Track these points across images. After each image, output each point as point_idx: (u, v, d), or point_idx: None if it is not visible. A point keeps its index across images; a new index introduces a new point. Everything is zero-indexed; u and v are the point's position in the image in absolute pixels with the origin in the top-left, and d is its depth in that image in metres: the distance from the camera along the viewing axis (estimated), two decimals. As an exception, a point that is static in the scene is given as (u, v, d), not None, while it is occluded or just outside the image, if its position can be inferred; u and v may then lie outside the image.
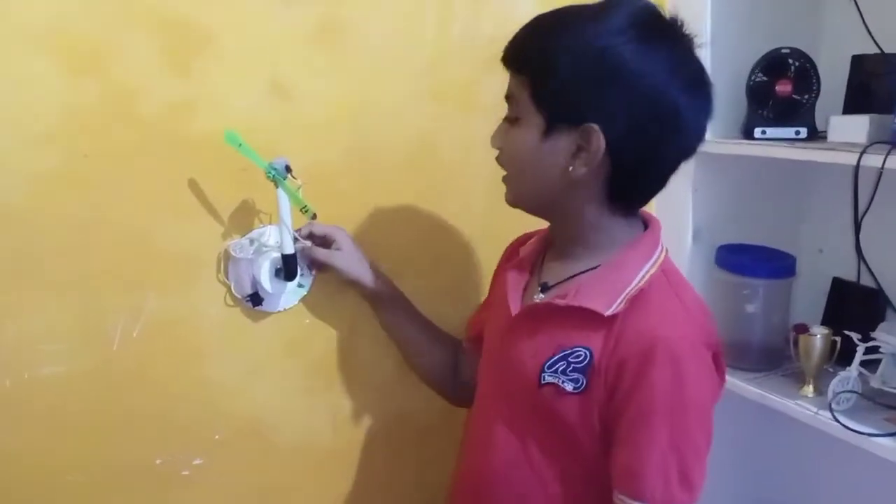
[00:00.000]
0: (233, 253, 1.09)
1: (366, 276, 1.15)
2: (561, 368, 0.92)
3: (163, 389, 1.10)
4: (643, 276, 0.93)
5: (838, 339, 1.29)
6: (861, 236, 1.31)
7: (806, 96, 1.33)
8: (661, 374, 0.87)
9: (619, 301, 0.91)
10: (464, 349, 1.23)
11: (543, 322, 0.96)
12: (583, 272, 0.96)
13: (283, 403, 1.19)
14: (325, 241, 1.14)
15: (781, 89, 1.34)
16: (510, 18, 1.21)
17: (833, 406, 1.21)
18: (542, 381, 0.93)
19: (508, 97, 0.96)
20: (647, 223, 1.00)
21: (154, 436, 1.10)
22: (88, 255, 1.02)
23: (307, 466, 1.23)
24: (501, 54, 0.97)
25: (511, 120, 0.95)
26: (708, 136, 1.03)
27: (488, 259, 1.26)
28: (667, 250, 0.99)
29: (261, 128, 1.08)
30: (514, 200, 1.00)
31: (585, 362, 0.91)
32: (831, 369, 1.29)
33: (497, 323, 1.05)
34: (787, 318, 1.42)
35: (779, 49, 1.34)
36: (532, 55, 0.92)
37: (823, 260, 1.51)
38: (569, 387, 0.92)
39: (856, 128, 1.22)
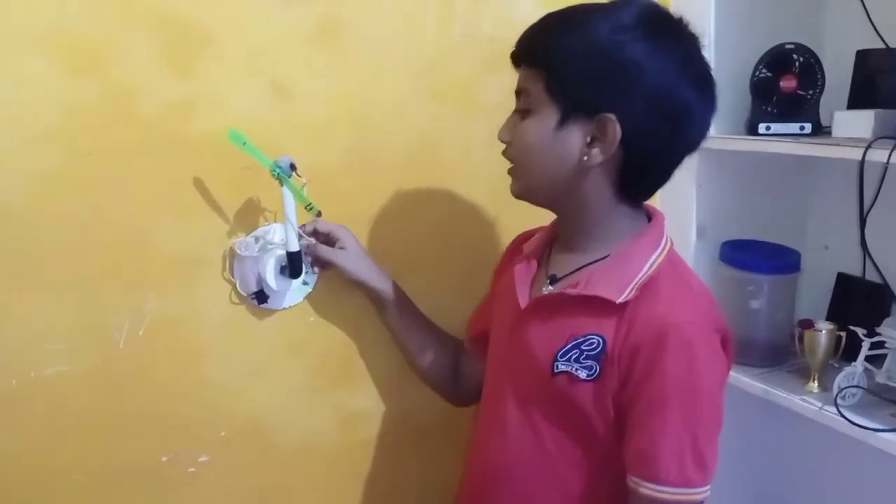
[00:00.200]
0: (238, 251, 1.09)
1: (369, 276, 1.15)
2: (574, 356, 0.94)
3: (168, 387, 1.10)
4: (652, 265, 0.96)
5: (843, 334, 1.29)
6: (866, 231, 1.31)
7: (810, 92, 1.33)
8: (674, 358, 0.89)
9: (629, 289, 0.93)
10: (465, 349, 1.23)
11: (554, 312, 0.98)
12: (591, 263, 0.99)
13: (287, 401, 1.19)
14: (328, 239, 1.14)
15: (786, 85, 1.34)
16: (510, 18, 1.22)
17: (838, 401, 1.21)
18: (556, 370, 0.95)
19: (519, 91, 0.99)
20: (650, 215, 1.03)
21: (159, 433, 1.11)
22: (91, 254, 1.02)
23: (312, 464, 1.23)
24: (511, 50, 1.00)
25: (522, 112, 0.98)
26: (712, 132, 1.03)
27: (489, 257, 1.26)
28: (671, 240, 1.01)
29: (261, 127, 1.08)
30: (523, 192, 1.02)
31: (599, 349, 0.93)
32: (836, 365, 1.29)
33: (504, 317, 1.07)
34: (792, 314, 1.42)
35: (783, 44, 1.33)
36: (547, 48, 0.95)
37: (828, 255, 1.51)
38: (582, 374, 0.94)
39: (860, 123, 1.21)
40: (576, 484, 0.98)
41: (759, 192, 1.48)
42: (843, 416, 1.19)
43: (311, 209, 1.10)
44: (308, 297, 1.17)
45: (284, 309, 1.16)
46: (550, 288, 1.02)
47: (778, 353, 1.39)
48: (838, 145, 1.19)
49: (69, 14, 0.96)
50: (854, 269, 1.41)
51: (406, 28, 1.18)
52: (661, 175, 1.00)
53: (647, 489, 0.90)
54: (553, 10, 0.97)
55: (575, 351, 0.94)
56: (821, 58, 1.33)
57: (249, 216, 1.11)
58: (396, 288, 1.19)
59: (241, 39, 1.06)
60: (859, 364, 1.24)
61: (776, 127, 1.33)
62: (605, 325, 0.94)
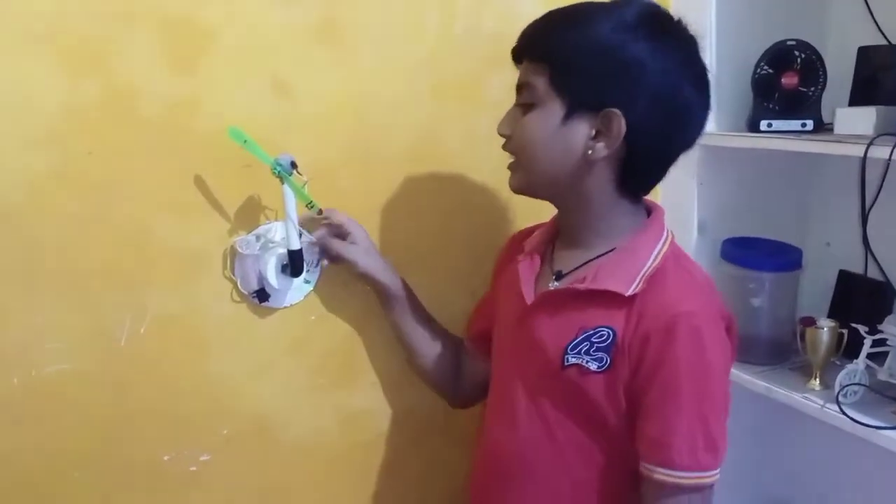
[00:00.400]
0: (239, 249, 1.09)
1: (378, 272, 1.15)
2: (584, 349, 0.96)
3: (170, 386, 1.10)
4: (656, 257, 0.98)
5: (845, 331, 1.29)
6: (868, 228, 1.31)
7: (812, 88, 1.33)
8: (684, 347, 0.92)
9: (637, 281, 0.96)
10: (466, 349, 1.23)
11: (562, 307, 1.00)
12: (597, 257, 1.01)
13: (289, 399, 1.19)
14: (340, 232, 1.14)
15: (787, 82, 1.33)
16: (512, 14, 1.22)
17: (840, 399, 1.20)
18: (566, 363, 0.97)
19: (522, 85, 1.00)
20: (650, 210, 1.05)
21: (161, 432, 1.11)
22: (92, 253, 1.02)
23: (313, 462, 1.23)
24: (514, 44, 1.01)
25: (525, 106, 0.99)
26: (713, 129, 1.04)
27: (491, 253, 1.26)
28: (672, 233, 1.03)
29: (262, 125, 1.08)
30: (523, 186, 1.03)
31: (609, 341, 0.95)
32: (838, 362, 1.29)
33: (509, 313, 1.08)
34: (794, 312, 1.41)
35: (784, 41, 1.33)
36: (552, 43, 0.96)
37: (830, 252, 1.51)
38: (593, 366, 0.96)
39: (862, 120, 1.21)
40: (586, 472, 1.00)
41: (761, 189, 1.48)
42: (844, 413, 1.18)
43: (311, 207, 1.10)
44: (309, 295, 1.17)
45: (286, 307, 1.16)
46: (556, 284, 1.03)
47: (779, 350, 1.39)
48: (840, 142, 1.19)
49: (69, 13, 0.96)
50: (856, 266, 1.40)
51: (407, 24, 1.18)
52: (660, 170, 1.02)
53: (662, 475, 0.93)
54: (555, 8, 0.99)
55: (585, 343, 0.96)
56: (822, 54, 1.33)
57: (250, 214, 1.11)
58: (404, 285, 1.19)
59: (242, 37, 1.06)
60: (861, 361, 1.23)
61: (778, 124, 1.33)
62: (614, 318, 0.96)
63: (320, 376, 1.21)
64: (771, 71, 1.34)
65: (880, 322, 1.24)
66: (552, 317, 1.00)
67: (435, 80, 1.22)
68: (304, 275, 1.13)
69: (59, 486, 1.05)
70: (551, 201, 1.05)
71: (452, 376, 1.24)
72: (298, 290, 1.16)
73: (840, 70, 1.35)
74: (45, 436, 1.04)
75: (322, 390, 1.22)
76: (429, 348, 1.21)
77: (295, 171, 1.07)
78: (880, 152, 1.12)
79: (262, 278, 1.11)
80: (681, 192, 1.41)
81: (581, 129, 0.95)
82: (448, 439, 1.34)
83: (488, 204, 1.30)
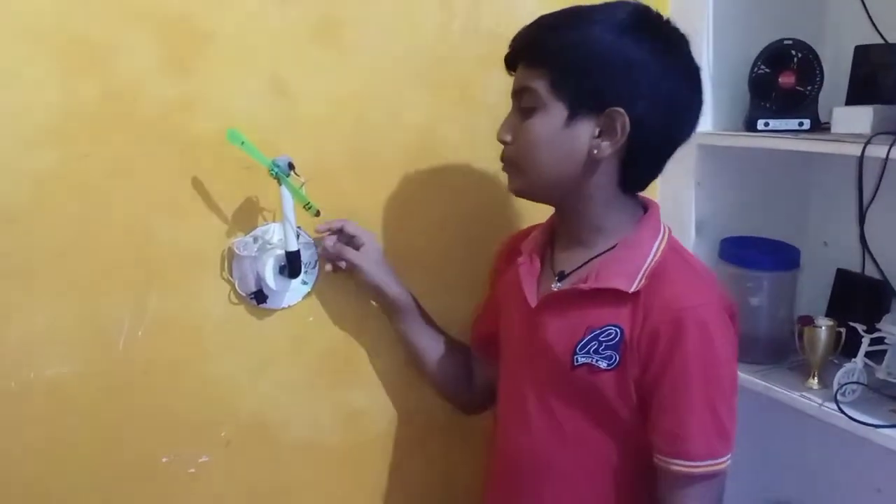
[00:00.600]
0: (237, 251, 1.09)
1: (387, 284, 1.16)
2: (593, 348, 0.98)
3: (168, 388, 1.10)
4: (656, 252, 1.00)
5: (843, 330, 1.29)
6: (865, 227, 1.31)
7: (809, 87, 1.33)
8: (693, 339, 0.94)
9: (639, 277, 0.97)
10: (474, 356, 1.24)
11: (567, 307, 1.01)
12: (597, 256, 1.02)
13: (287, 401, 1.19)
14: (353, 242, 1.15)
15: (784, 81, 1.33)
16: (510, 15, 1.22)
17: (838, 398, 1.21)
18: (576, 363, 0.99)
19: (520, 90, 1.00)
20: (646, 206, 1.07)
21: (159, 434, 1.10)
22: (91, 255, 1.02)
23: (312, 464, 1.23)
24: (507, 51, 1.02)
25: (526, 111, 0.99)
26: (710, 128, 1.04)
27: (491, 254, 1.26)
28: (669, 227, 1.05)
29: (261, 125, 1.08)
30: (525, 189, 1.04)
31: (617, 339, 0.97)
32: (836, 361, 1.29)
33: (513, 316, 1.09)
34: (792, 311, 1.41)
35: (781, 40, 1.33)
36: (550, 47, 0.97)
37: (828, 251, 1.51)
38: (603, 364, 0.97)
39: (859, 118, 1.21)
40: (601, 466, 1.02)
41: (759, 188, 1.48)
42: (843, 412, 1.18)
43: (309, 208, 1.10)
44: (307, 296, 1.17)
45: (283, 308, 1.16)
46: (559, 284, 1.04)
47: (778, 349, 1.39)
48: (837, 141, 1.19)
49: (68, 13, 0.96)
50: (854, 265, 1.41)
51: (405, 24, 1.18)
52: (660, 164, 1.04)
53: (679, 466, 0.95)
54: (545, 13, 1.00)
55: (594, 343, 0.98)
56: (819, 54, 1.33)
57: (248, 216, 1.11)
58: (411, 297, 1.20)
59: (241, 37, 1.06)
60: (859, 360, 1.24)
61: (775, 123, 1.33)
62: (620, 315, 0.97)
63: (319, 377, 1.21)
64: (768, 70, 1.34)
65: (878, 321, 1.24)
66: (559, 318, 1.01)
67: (433, 80, 1.22)
68: (301, 276, 1.13)
69: (57, 489, 1.05)
70: (552, 202, 1.06)
71: (463, 383, 1.24)
72: (296, 291, 1.16)
73: (837, 69, 1.35)
74: (43, 438, 1.03)
75: (321, 391, 1.22)
76: (438, 357, 1.22)
77: (292, 173, 1.07)
78: (877, 151, 1.12)
79: (259, 280, 1.11)
80: (679, 192, 1.41)
81: (585, 130, 0.96)
82: (449, 439, 1.34)
83: (487, 203, 1.30)
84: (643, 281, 0.97)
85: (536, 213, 1.17)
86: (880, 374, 1.23)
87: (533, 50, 0.99)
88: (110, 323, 1.05)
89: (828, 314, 1.37)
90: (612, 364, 0.97)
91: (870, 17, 1.36)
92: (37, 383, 1.01)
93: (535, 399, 1.05)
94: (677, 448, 0.96)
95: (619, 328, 0.97)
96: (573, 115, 0.96)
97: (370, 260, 1.15)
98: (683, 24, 1.01)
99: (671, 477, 0.97)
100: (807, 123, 1.32)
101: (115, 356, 1.05)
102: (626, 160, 0.98)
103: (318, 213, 1.11)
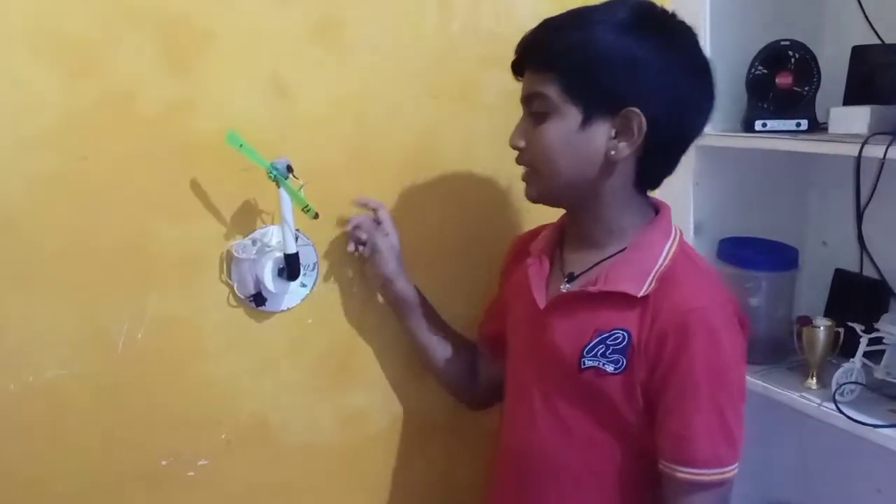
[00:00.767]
0: (235, 253, 1.09)
1: (399, 279, 1.17)
2: (600, 352, 0.97)
3: (167, 391, 1.10)
4: (667, 255, 0.99)
5: (841, 330, 1.29)
6: (863, 227, 1.31)
7: (806, 88, 1.33)
8: (700, 344, 0.93)
9: (649, 281, 0.97)
10: (480, 352, 1.25)
11: (576, 310, 1.01)
12: (608, 257, 1.02)
13: (287, 404, 1.19)
14: (379, 230, 1.16)
15: (782, 81, 1.34)
16: (510, 15, 1.22)
17: (837, 398, 1.21)
18: (583, 366, 0.98)
19: (530, 96, 0.99)
20: (657, 207, 1.06)
21: (159, 437, 1.10)
22: (90, 257, 1.02)
23: (312, 467, 1.23)
24: (510, 46, 1.01)
25: (538, 116, 0.98)
26: (708, 129, 1.04)
27: (490, 255, 1.27)
28: (680, 230, 1.05)
29: (261, 126, 1.08)
30: (542, 195, 1.03)
31: (624, 343, 0.96)
32: (835, 361, 1.29)
33: (521, 316, 1.09)
34: (791, 311, 1.42)
35: (778, 41, 1.33)
36: (557, 50, 0.96)
37: (826, 252, 1.51)
38: (609, 368, 0.97)
39: (857, 119, 1.21)
40: (608, 467, 1.01)
41: (757, 189, 1.48)
42: (841, 412, 1.19)
43: (307, 211, 1.10)
44: (306, 298, 1.17)
45: (282, 311, 1.16)
46: (568, 286, 1.04)
47: (777, 350, 1.39)
48: (835, 141, 1.19)
49: (66, 14, 0.95)
50: (852, 265, 1.41)
51: (405, 25, 1.18)
52: (674, 162, 1.03)
53: (684, 473, 0.94)
54: (549, 16, 0.99)
55: (601, 346, 0.97)
56: (816, 54, 1.33)
57: (247, 218, 1.11)
58: (418, 293, 1.20)
59: (241, 38, 1.06)
60: (858, 360, 1.24)
61: (772, 123, 1.34)
62: (628, 319, 0.96)
63: (318, 379, 1.21)
64: (765, 71, 1.34)
65: (876, 320, 1.24)
66: (566, 320, 1.01)
67: (433, 81, 1.22)
68: (300, 278, 1.13)
69: (56, 493, 1.05)
70: (568, 206, 1.06)
71: (468, 380, 1.25)
72: (295, 293, 1.16)
73: (834, 69, 1.35)
74: (41, 442, 1.03)
75: (320, 393, 1.22)
76: (443, 354, 1.22)
77: (291, 175, 1.07)
78: (875, 151, 1.12)
79: (258, 282, 1.11)
80: (677, 192, 1.40)
81: (601, 132, 0.95)
82: (449, 440, 1.34)
83: (487, 204, 1.31)
84: (653, 284, 0.96)
85: (536, 214, 1.17)
86: (879, 373, 1.23)
87: (540, 54, 0.98)
88: (109, 325, 1.04)
89: (826, 314, 1.37)
90: (618, 368, 0.96)
91: (867, 18, 1.37)
92: (35, 386, 1.01)
93: (541, 399, 1.04)
94: (683, 454, 0.94)
95: (627, 332, 0.96)
96: (588, 118, 0.95)
97: (392, 252, 1.16)
98: (681, 25, 1.01)
99: (676, 483, 0.95)
100: (804, 124, 1.33)
101: (114, 359, 1.05)
102: (643, 159, 0.98)
103: (316, 216, 1.11)
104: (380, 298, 1.23)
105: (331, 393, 1.23)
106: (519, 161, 1.03)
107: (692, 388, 0.94)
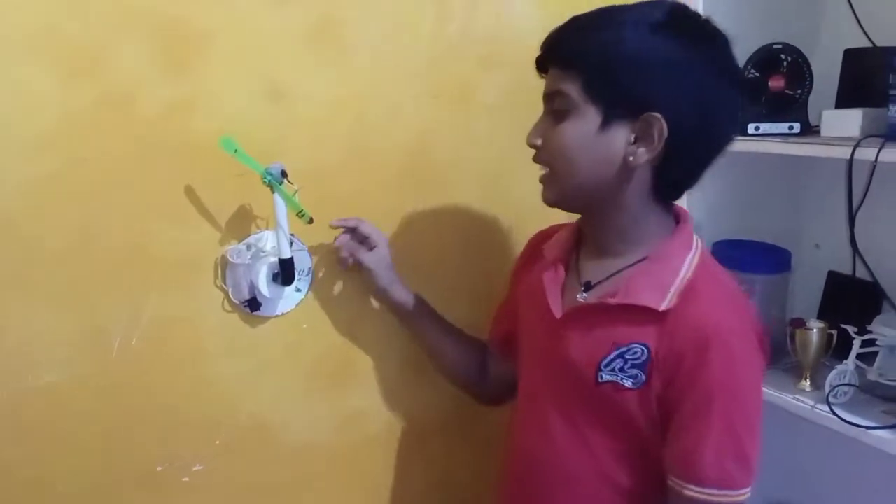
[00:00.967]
0: (230, 258, 1.09)
1: (395, 289, 1.16)
2: (619, 366, 0.94)
3: (162, 396, 1.10)
4: (688, 268, 0.96)
5: (835, 332, 1.29)
6: (856, 230, 1.32)
7: (799, 91, 1.34)
8: (719, 363, 0.90)
9: (670, 295, 0.93)
10: (490, 352, 1.24)
11: (594, 321, 0.98)
12: (627, 267, 0.98)
13: (282, 408, 1.19)
14: (366, 243, 1.15)
15: (774, 84, 1.34)
16: (506, 17, 1.22)
17: (830, 399, 1.21)
18: (600, 380, 0.96)
19: (552, 94, 0.96)
20: (678, 215, 1.03)
21: (154, 443, 1.10)
22: (86, 261, 1.02)
23: (308, 472, 1.23)
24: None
25: (558, 115, 0.95)
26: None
27: (488, 257, 1.27)
28: (702, 241, 1.01)
29: (258, 129, 1.08)
30: (559, 198, 1.00)
31: (643, 358, 0.93)
32: (828, 363, 1.30)
33: (535, 322, 1.07)
34: (784, 313, 1.42)
35: (771, 44, 1.34)
36: (583, 49, 0.93)
37: (819, 254, 1.52)
38: (627, 383, 0.94)
39: (849, 122, 1.22)
40: (624, 478, 0.99)
41: (750, 191, 1.49)
42: (835, 413, 1.19)
43: (302, 216, 1.10)
44: (301, 303, 1.17)
45: (277, 316, 1.16)
46: (585, 295, 1.01)
47: (770, 352, 1.40)
48: (827, 144, 1.20)
49: (64, 17, 0.95)
50: (845, 267, 1.41)
51: (402, 27, 1.18)
52: (698, 172, 0.99)
53: (692, 491, 0.91)
54: (580, 13, 0.96)
55: (619, 360, 0.94)
56: (809, 57, 1.34)
57: (241, 223, 1.11)
58: (417, 298, 1.19)
59: (238, 41, 1.06)
60: (851, 362, 1.24)
61: (765, 127, 1.34)
62: (647, 333, 0.93)
63: (314, 383, 1.21)
64: (758, 74, 1.35)
65: (869, 322, 1.25)
66: (584, 332, 0.98)
67: (431, 83, 1.22)
68: (295, 283, 1.13)
69: (50, 498, 1.05)
70: (584, 211, 1.03)
71: (479, 379, 1.24)
72: (290, 298, 1.16)
73: (826, 73, 1.36)
74: (37, 447, 1.03)
75: (316, 398, 1.22)
76: (452, 356, 1.22)
77: (286, 181, 1.07)
78: (867, 154, 1.13)
79: (253, 287, 1.11)
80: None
81: (620, 135, 0.92)
82: (447, 441, 1.34)
83: (485, 206, 1.30)
84: (674, 299, 0.93)
85: (535, 216, 1.16)
86: (872, 375, 1.24)
87: (564, 52, 0.96)
88: (105, 330, 1.04)
89: (819, 316, 1.38)
90: (637, 383, 0.94)
91: (858, 22, 1.37)
92: (32, 391, 1.01)
93: (557, 410, 1.02)
94: (692, 472, 0.91)
95: (646, 347, 0.93)
96: (607, 119, 0.92)
97: (381, 264, 1.15)
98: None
99: (684, 501, 0.93)
100: (797, 127, 1.33)
101: (109, 364, 1.05)
102: (662, 167, 0.94)
103: (311, 221, 1.11)
104: (375, 303, 1.23)
105: (328, 396, 1.23)
106: (536, 159, 1.00)
107: (706, 408, 0.91)
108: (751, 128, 1.34)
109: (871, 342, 1.24)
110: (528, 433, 1.08)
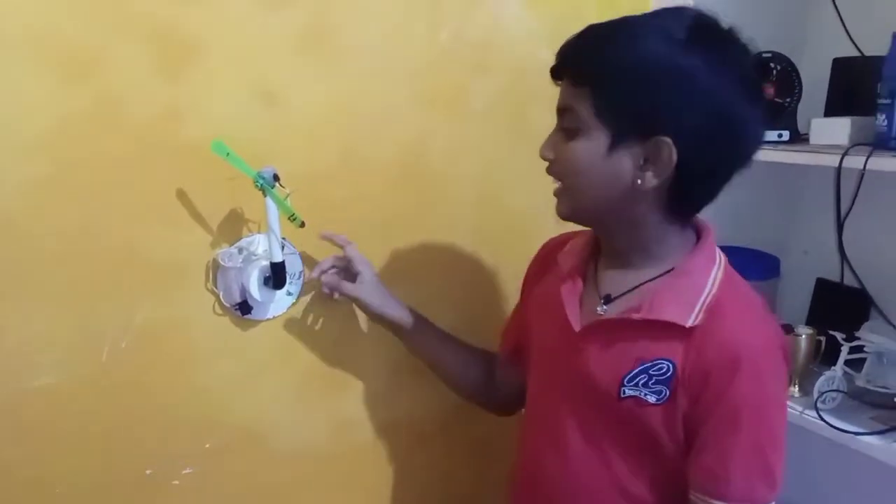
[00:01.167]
0: (221, 262, 1.09)
1: (390, 310, 1.15)
2: (642, 382, 0.92)
3: (153, 399, 1.09)
4: (713, 283, 0.93)
5: (823, 339, 1.30)
6: (844, 237, 1.33)
7: (788, 99, 1.35)
8: (746, 381, 0.88)
9: (697, 311, 0.91)
10: (500, 362, 1.22)
11: (616, 336, 0.95)
12: (648, 281, 0.96)
13: (273, 411, 1.19)
14: (348, 267, 1.14)
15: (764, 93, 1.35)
16: (498, 23, 1.22)
17: (819, 405, 1.22)
18: (622, 395, 0.93)
19: (563, 109, 0.93)
20: (699, 228, 1.01)
21: (144, 446, 1.10)
22: (78, 263, 1.01)
23: (300, 475, 1.23)
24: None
25: (568, 132, 0.93)
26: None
27: (481, 264, 1.27)
28: (725, 256, 0.99)
29: (250, 135, 1.07)
30: (570, 214, 0.97)
31: (669, 374, 0.91)
32: (816, 369, 1.30)
33: (553, 338, 1.04)
34: (773, 319, 1.43)
35: (760, 53, 1.35)
36: (594, 67, 0.90)
37: (808, 261, 1.53)
38: (651, 399, 0.92)
39: (837, 130, 1.23)
40: (644, 493, 0.97)
41: (739, 199, 1.48)
42: (823, 420, 1.20)
43: (294, 220, 1.10)
44: (292, 307, 1.17)
45: (269, 319, 1.15)
46: (605, 308, 0.98)
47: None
48: (816, 152, 1.21)
49: (59, 22, 0.95)
50: (833, 274, 1.42)
51: (394, 33, 1.18)
52: (713, 191, 0.96)
53: None
54: (597, 23, 0.92)
55: (643, 376, 0.92)
56: (798, 66, 1.35)
57: (233, 227, 1.11)
58: (413, 315, 1.18)
59: (231, 47, 1.06)
60: (839, 368, 1.25)
61: (755, 134, 1.35)
62: (673, 349, 0.91)
63: (305, 387, 1.21)
64: (748, 82, 1.35)
65: (857, 329, 1.26)
66: (605, 346, 0.96)
67: (423, 89, 1.22)
68: (286, 287, 1.13)
69: (41, 501, 1.04)
70: (598, 226, 1.00)
71: (486, 388, 1.22)
72: (281, 302, 1.15)
73: (815, 81, 1.37)
74: (27, 450, 1.03)
75: (308, 401, 1.21)
76: (454, 367, 1.21)
77: (277, 184, 1.07)
78: (855, 162, 1.14)
79: (244, 291, 1.11)
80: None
81: (628, 159, 0.89)
82: (442, 448, 1.34)
83: (478, 212, 1.30)
84: (700, 315, 0.91)
85: (530, 223, 1.16)
86: (860, 381, 1.25)
87: (578, 67, 0.92)
88: (96, 333, 1.04)
89: (808, 323, 1.39)
90: (661, 399, 0.91)
91: (847, 31, 1.39)
92: (23, 394, 1.01)
93: (575, 425, 1.00)
94: (718, 488, 0.90)
95: (672, 363, 0.91)
96: (616, 143, 0.88)
97: (368, 290, 1.13)
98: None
99: None
100: (786, 135, 1.34)
101: (99, 368, 1.04)
102: (676, 187, 0.90)
103: (302, 225, 1.11)
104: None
105: (318, 401, 1.23)
106: (549, 172, 0.97)
107: (733, 425, 0.89)
108: (740, 135, 1.35)
109: (859, 349, 1.25)
110: (543, 450, 1.05)
